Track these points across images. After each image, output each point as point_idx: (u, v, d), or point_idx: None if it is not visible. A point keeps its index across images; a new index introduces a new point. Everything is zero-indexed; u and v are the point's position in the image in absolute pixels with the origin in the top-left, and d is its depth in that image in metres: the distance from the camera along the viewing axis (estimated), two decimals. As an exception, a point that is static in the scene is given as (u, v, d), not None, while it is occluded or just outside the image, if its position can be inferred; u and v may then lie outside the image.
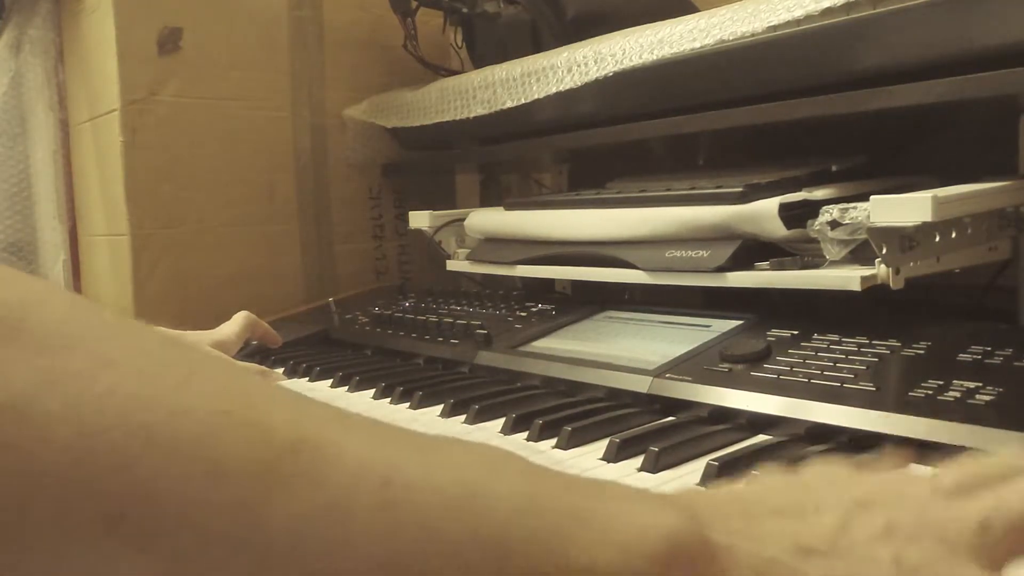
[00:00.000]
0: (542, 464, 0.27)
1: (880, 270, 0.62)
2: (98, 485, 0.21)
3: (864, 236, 0.61)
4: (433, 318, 0.91)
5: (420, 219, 1.08)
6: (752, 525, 0.28)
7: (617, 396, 0.66)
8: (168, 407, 0.23)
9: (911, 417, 0.49)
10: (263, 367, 0.87)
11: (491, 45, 1.14)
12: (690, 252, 0.73)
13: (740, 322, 0.70)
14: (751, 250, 0.71)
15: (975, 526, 0.28)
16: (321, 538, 0.22)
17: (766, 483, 0.32)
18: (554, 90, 0.90)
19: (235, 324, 0.94)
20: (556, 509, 0.25)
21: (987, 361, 0.54)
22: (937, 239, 0.63)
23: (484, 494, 0.24)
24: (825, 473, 0.32)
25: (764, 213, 0.69)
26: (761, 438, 0.55)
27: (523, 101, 0.94)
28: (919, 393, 0.51)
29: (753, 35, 0.70)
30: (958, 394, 0.50)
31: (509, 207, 0.99)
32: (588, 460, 0.54)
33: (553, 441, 0.57)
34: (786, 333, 0.65)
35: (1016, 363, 0.53)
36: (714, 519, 0.27)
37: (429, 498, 0.24)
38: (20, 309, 0.23)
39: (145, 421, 0.22)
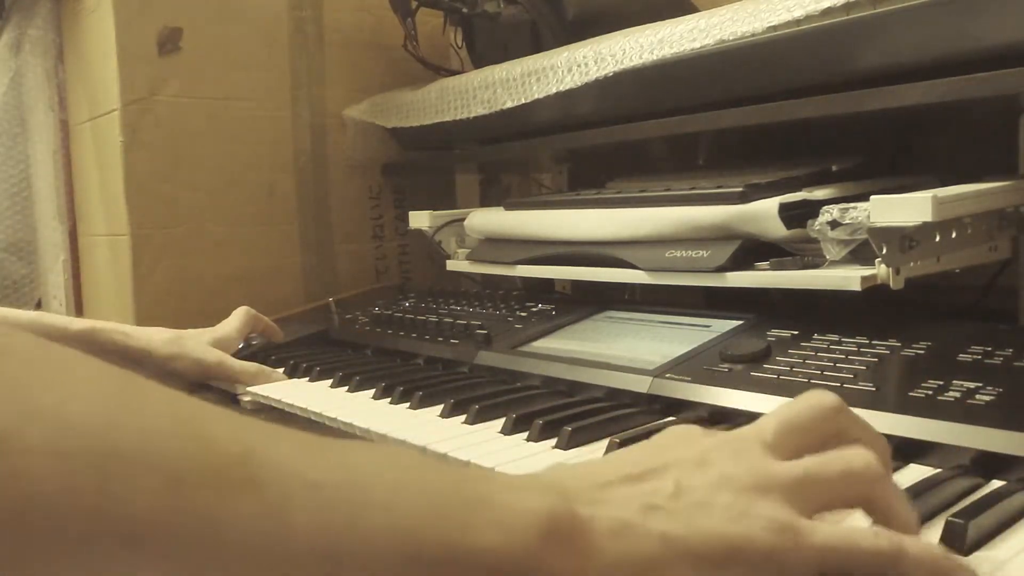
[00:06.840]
0: (439, 461, 0.33)
1: (880, 270, 0.62)
2: (79, 500, 0.25)
3: (864, 236, 0.61)
4: (433, 318, 0.90)
5: (420, 219, 1.08)
6: (607, 492, 0.33)
7: (617, 396, 0.66)
8: (134, 428, 0.27)
9: (911, 417, 0.49)
10: (262, 366, 0.86)
11: (491, 45, 1.14)
12: (690, 252, 0.73)
13: (740, 322, 0.70)
14: (751, 250, 0.71)
15: (793, 481, 0.34)
16: (268, 534, 0.27)
17: (623, 453, 0.37)
18: (554, 90, 0.90)
19: (235, 320, 0.93)
20: (458, 501, 0.30)
21: (987, 361, 0.54)
22: (937, 239, 0.63)
23: (401, 491, 0.30)
24: (676, 434, 0.38)
25: (764, 213, 0.69)
26: (761, 438, 0.55)
27: (523, 101, 0.94)
28: (919, 393, 0.51)
29: (753, 35, 0.70)
30: (958, 394, 0.50)
31: (509, 207, 0.99)
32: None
33: (553, 441, 0.57)
34: (786, 333, 0.65)
35: (1016, 363, 0.53)
36: (579, 492, 0.32)
37: (354, 496, 0.29)
38: None
39: (116, 442, 0.26)
